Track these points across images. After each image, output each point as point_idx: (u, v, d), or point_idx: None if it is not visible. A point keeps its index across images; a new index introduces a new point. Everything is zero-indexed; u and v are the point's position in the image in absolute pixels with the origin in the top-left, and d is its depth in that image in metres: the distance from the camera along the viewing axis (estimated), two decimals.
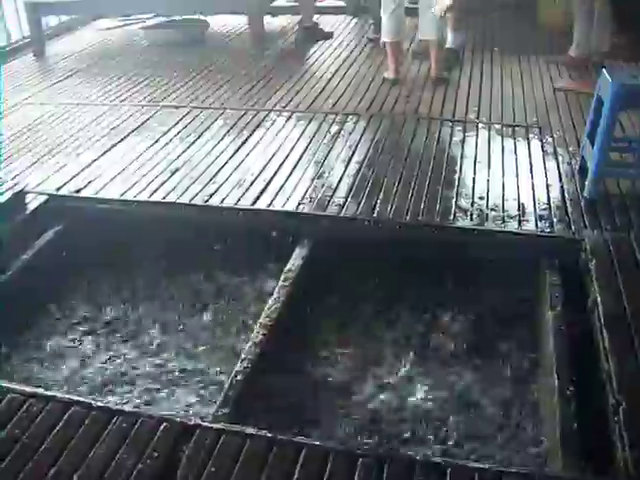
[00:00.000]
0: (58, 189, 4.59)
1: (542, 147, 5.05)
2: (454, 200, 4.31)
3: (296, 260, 3.90)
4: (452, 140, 5.22)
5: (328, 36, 8.13)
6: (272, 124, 5.62)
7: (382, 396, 3.35)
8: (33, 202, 4.42)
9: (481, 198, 4.33)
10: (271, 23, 8.61)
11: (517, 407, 3.26)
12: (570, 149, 4.98)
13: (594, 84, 4.51)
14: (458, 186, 4.49)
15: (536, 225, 4.05)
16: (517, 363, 3.53)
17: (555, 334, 3.30)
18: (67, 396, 2.92)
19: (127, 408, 2.87)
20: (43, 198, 4.46)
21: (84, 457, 2.54)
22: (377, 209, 4.22)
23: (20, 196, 4.39)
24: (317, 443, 2.62)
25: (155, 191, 4.52)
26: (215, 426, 2.69)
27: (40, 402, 2.79)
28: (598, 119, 4.24)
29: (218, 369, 3.52)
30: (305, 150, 5.09)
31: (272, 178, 4.65)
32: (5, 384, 2.95)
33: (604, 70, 4.31)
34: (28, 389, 2.93)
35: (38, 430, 2.67)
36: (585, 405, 2.94)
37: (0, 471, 2.49)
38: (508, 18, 8.49)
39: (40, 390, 2.97)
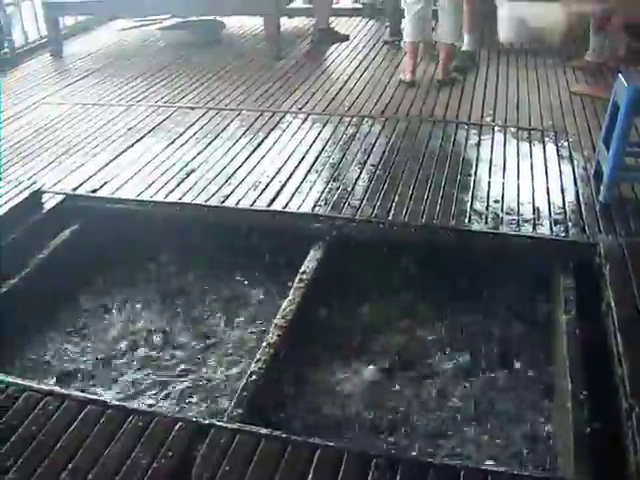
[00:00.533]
0: (75, 189, 4.62)
1: (557, 151, 5.05)
2: (469, 203, 4.32)
3: (311, 262, 3.91)
4: (468, 143, 5.22)
5: (344, 38, 8.14)
6: (288, 126, 5.63)
7: (395, 397, 3.36)
8: (50, 202, 4.45)
9: (496, 201, 4.34)
10: (287, 25, 8.63)
11: (530, 408, 3.26)
12: (585, 153, 4.98)
13: (610, 89, 4.50)
14: (473, 189, 4.49)
15: (551, 229, 4.05)
16: (530, 366, 3.53)
17: (569, 338, 3.30)
18: (83, 395, 2.95)
19: (142, 407, 2.89)
20: (60, 198, 4.49)
21: (99, 455, 2.56)
22: (392, 211, 4.23)
23: (37, 195, 4.42)
24: (331, 444, 2.63)
25: (171, 192, 4.54)
26: (230, 426, 2.70)
27: (56, 400, 2.81)
28: (614, 124, 4.23)
29: (233, 370, 3.54)
30: (321, 152, 5.11)
31: (288, 180, 4.67)
32: (22, 382, 2.98)
33: (620, 75, 4.31)
34: (45, 387, 2.95)
35: (54, 428, 2.69)
36: (598, 409, 2.94)
37: (16, 468, 2.51)
38: None
39: (56, 388, 3.00)
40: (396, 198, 4.38)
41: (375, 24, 8.79)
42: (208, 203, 4.40)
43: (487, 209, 4.26)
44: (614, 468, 2.67)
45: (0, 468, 2.51)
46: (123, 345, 3.77)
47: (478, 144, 5.20)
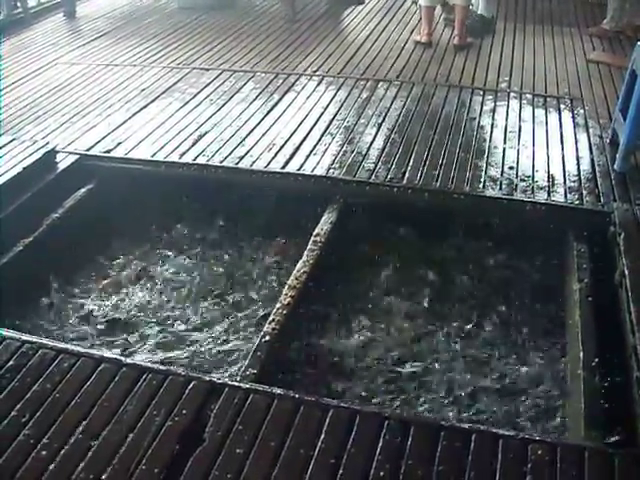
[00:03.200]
0: (88, 149, 4.61)
1: (573, 119, 5.03)
2: (484, 169, 4.31)
3: (325, 224, 3.91)
4: (483, 109, 5.20)
5: (359, 2, 8.10)
6: (302, 88, 5.62)
7: (407, 361, 3.38)
8: (64, 161, 4.45)
9: (511, 168, 4.33)
10: None
11: (542, 376, 3.27)
12: (601, 121, 4.95)
13: (628, 57, 4.46)
14: (488, 155, 4.48)
15: (565, 197, 4.04)
16: (544, 332, 3.54)
17: (581, 305, 3.31)
18: (98, 353, 2.96)
19: (156, 366, 2.90)
20: (74, 158, 4.49)
21: (113, 413, 2.58)
22: (407, 175, 4.22)
23: (51, 155, 4.42)
24: (344, 404, 2.65)
25: (184, 153, 4.54)
26: (243, 385, 2.72)
27: (71, 358, 2.83)
28: (631, 92, 4.19)
29: (246, 331, 3.56)
30: (335, 115, 5.09)
31: (302, 142, 4.66)
32: (36, 339, 2.99)
33: (639, 43, 4.26)
34: (59, 345, 2.97)
35: (68, 385, 2.71)
36: (609, 376, 2.95)
37: (32, 424, 2.54)
38: None
39: (71, 346, 3.02)
40: (410, 162, 4.37)
41: None
42: (222, 164, 4.39)
43: (502, 175, 4.25)
44: (624, 434, 2.69)
45: (16, 424, 2.54)
46: (136, 301, 3.79)
47: (493, 110, 5.18)
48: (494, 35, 6.84)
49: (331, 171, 4.29)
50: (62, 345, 2.98)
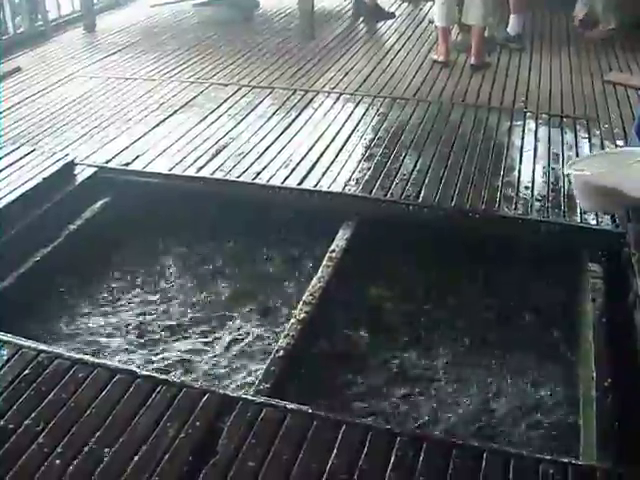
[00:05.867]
0: (107, 162, 4.65)
1: (589, 139, 5.04)
2: (500, 188, 4.32)
3: (340, 241, 3.93)
4: (499, 128, 5.22)
5: (391, 16, 8.24)
6: (320, 105, 5.65)
7: (420, 379, 3.39)
8: (82, 174, 4.48)
9: (526, 188, 4.34)
10: (320, 5, 8.56)
11: (555, 396, 3.28)
12: (617, 142, 4.96)
13: None
14: (504, 175, 4.49)
15: (580, 217, 4.05)
16: (557, 352, 3.55)
17: (595, 326, 3.32)
18: (113, 364, 2.98)
19: (171, 378, 2.91)
20: (92, 170, 4.52)
21: (127, 424, 2.59)
22: (422, 194, 4.24)
23: (70, 167, 4.45)
24: (357, 421, 2.67)
25: (202, 167, 4.57)
26: (257, 399, 2.73)
27: (86, 368, 2.84)
28: None
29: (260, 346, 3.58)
30: (352, 132, 5.12)
31: (319, 159, 4.69)
32: (53, 349, 3.01)
33: None
34: (75, 355, 2.99)
35: (83, 396, 2.72)
36: (622, 399, 2.95)
37: (46, 433, 2.55)
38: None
39: (86, 357, 3.03)
40: (426, 181, 4.38)
41: (409, 6, 8.76)
42: (239, 179, 4.42)
43: (517, 195, 4.26)
44: (636, 457, 2.69)
45: (30, 432, 2.55)
46: (152, 315, 3.81)
47: (509, 130, 5.19)
48: (511, 55, 6.87)
49: (347, 188, 4.31)
50: (78, 355, 2.99)
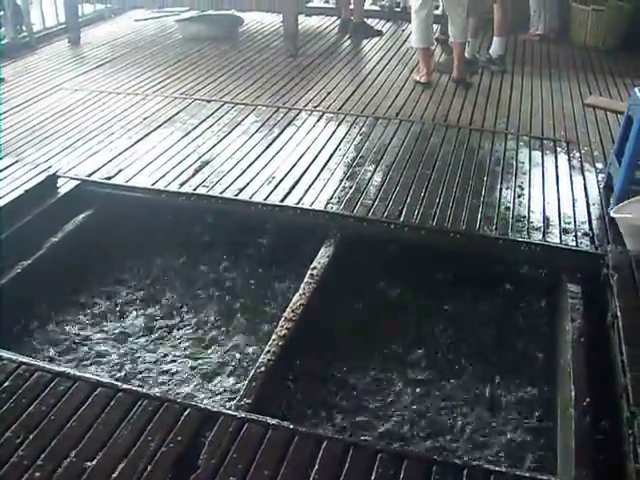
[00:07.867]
0: (89, 175, 4.65)
1: (569, 162, 5.09)
2: (480, 209, 4.36)
3: (322, 258, 3.94)
4: (480, 149, 5.26)
5: (378, 33, 8.34)
6: (303, 123, 5.68)
7: (404, 393, 3.42)
8: (65, 186, 4.49)
9: (507, 208, 4.38)
10: (304, 23, 8.64)
11: (534, 415, 3.31)
12: (597, 165, 5.02)
13: (624, 102, 4.53)
14: (485, 195, 4.53)
15: (560, 238, 4.10)
16: (535, 373, 3.58)
17: (573, 345, 3.34)
18: (94, 377, 2.97)
19: (152, 392, 2.91)
20: (74, 183, 4.52)
21: (108, 438, 2.60)
22: (404, 213, 4.27)
23: (52, 180, 4.45)
24: (338, 436, 2.68)
25: (185, 182, 4.59)
26: (238, 414, 2.74)
27: (67, 381, 2.85)
28: (626, 137, 4.27)
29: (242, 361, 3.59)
30: (335, 151, 5.15)
31: (301, 177, 4.71)
32: (33, 362, 3.01)
33: (636, 89, 4.34)
34: (56, 368, 2.99)
35: (64, 409, 2.73)
36: (600, 416, 2.98)
37: (26, 446, 2.55)
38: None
39: (68, 369, 3.02)
40: (408, 200, 4.42)
41: (392, 26, 8.82)
42: (222, 195, 4.44)
43: (497, 215, 4.30)
44: (613, 475, 2.71)
45: (10, 445, 2.55)
46: (134, 328, 3.82)
47: (490, 151, 5.24)
48: (492, 77, 6.93)
49: (329, 206, 4.34)
50: (59, 368, 2.99)
